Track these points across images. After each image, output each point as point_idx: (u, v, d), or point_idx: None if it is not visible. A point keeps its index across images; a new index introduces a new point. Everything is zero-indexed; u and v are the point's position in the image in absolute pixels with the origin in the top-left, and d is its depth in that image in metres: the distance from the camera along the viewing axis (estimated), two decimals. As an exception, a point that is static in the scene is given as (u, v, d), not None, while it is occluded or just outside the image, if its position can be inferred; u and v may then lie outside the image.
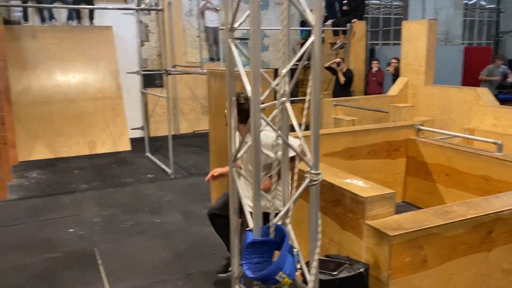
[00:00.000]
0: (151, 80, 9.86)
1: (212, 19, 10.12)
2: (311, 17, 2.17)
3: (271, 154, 2.71)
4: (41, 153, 7.64)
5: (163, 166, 6.99)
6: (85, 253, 4.05)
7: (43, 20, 8.71)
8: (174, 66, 9.48)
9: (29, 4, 8.30)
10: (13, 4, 8.45)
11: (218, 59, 10.26)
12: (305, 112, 2.26)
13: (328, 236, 2.97)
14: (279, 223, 2.32)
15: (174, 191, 5.86)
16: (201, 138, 9.43)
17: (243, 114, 2.96)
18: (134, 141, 8.63)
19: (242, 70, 2.27)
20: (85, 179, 6.40)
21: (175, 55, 9.72)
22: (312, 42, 2.16)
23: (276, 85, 2.35)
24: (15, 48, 7.94)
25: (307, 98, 2.24)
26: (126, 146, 8.39)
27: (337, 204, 2.90)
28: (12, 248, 4.18)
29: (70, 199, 5.56)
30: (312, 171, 2.22)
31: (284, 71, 2.18)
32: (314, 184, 2.25)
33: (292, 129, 2.55)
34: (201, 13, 10.00)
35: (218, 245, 4.19)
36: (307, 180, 2.26)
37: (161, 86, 10.10)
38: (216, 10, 9.86)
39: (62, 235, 4.44)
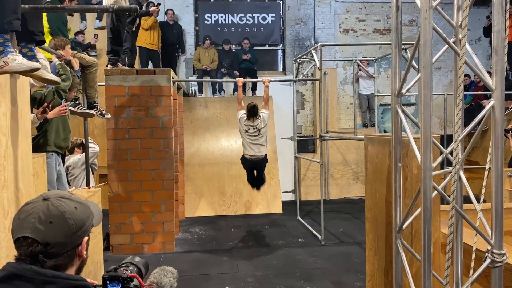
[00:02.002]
0: (304, 145, 10.22)
1: (366, 86, 10.20)
2: (490, 81, 2.02)
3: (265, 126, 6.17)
4: (204, 210, 8.38)
5: (314, 231, 6.95)
6: (239, 312, 4.16)
7: (214, 92, 9.90)
8: (327, 132, 9.67)
9: (204, 79, 9.56)
10: (191, 79, 9.85)
11: (373, 125, 10.14)
12: (484, 182, 2.04)
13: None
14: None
15: (325, 258, 5.73)
16: (352, 205, 9.21)
17: None
18: (285, 203, 8.88)
19: (410, 136, 2.19)
20: (241, 238, 6.74)
21: (328, 121, 9.95)
22: (493, 107, 1.99)
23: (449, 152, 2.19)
24: (190, 116, 9.13)
25: (486, 167, 2.03)
26: (278, 209, 8.65)
27: (524, 293, 2.45)
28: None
29: (228, 256, 5.88)
30: (495, 251, 1.95)
31: (459, 138, 2.03)
32: (497, 266, 1.96)
33: (466, 200, 2.32)
34: (356, 81, 10.18)
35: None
36: (487, 261, 1.98)
37: (313, 151, 10.36)
38: (370, 77, 9.91)
39: (219, 291, 4.67)
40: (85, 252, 1.34)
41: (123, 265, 1.43)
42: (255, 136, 6.10)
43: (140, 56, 8.96)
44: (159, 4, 7.98)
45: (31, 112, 3.43)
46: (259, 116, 6.12)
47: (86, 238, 1.34)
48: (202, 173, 8.74)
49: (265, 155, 6.31)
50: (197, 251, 6.16)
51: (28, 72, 2.38)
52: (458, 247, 2.21)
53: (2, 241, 2.33)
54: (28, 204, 1.28)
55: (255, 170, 6.35)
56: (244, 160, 6.27)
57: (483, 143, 8.67)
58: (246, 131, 6.09)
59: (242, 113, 6.20)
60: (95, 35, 8.69)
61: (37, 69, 2.37)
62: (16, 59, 2.22)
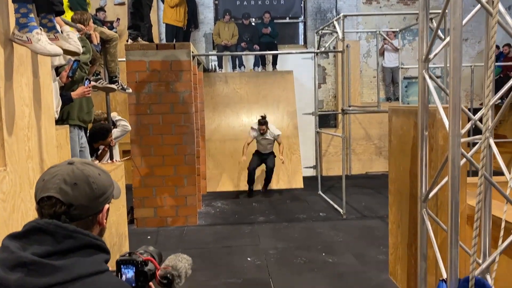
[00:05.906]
0: (325, 120, 10.10)
1: (391, 59, 9.92)
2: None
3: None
4: (225, 185, 8.43)
5: (335, 206, 6.93)
6: (262, 283, 4.21)
7: (234, 67, 9.82)
8: (350, 107, 9.51)
9: (224, 53, 9.47)
10: (210, 53, 9.78)
11: (396, 99, 9.93)
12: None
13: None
14: (480, 276, 2.01)
15: (347, 232, 5.71)
16: (374, 180, 9.11)
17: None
18: (306, 179, 8.85)
19: (438, 102, 2.11)
20: (262, 212, 6.77)
21: (350, 96, 9.76)
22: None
23: (478, 119, 2.10)
24: (210, 92, 9.10)
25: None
26: (299, 184, 8.64)
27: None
28: (200, 269, 4.59)
29: (249, 229, 5.93)
30: (526, 220, 1.88)
31: (490, 103, 1.94)
32: (528, 236, 1.89)
33: (495, 172, 2.24)
34: (381, 54, 9.91)
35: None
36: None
37: (335, 126, 10.23)
38: (396, 50, 9.63)
39: (242, 263, 4.72)
40: (105, 221, 1.35)
41: (138, 251, 1.45)
42: (267, 143, 7.77)
43: (166, 33, 8.93)
44: None
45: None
46: (269, 130, 7.59)
47: (107, 206, 1.34)
48: (223, 148, 8.76)
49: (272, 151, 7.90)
50: (219, 224, 6.23)
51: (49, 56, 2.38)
52: (486, 218, 2.15)
53: (29, 210, 2.38)
54: (53, 167, 1.30)
55: (264, 159, 7.87)
56: (256, 152, 7.87)
57: (511, 116, 8.40)
58: (258, 139, 7.75)
59: (253, 133, 7.74)
60: (118, 19, 8.67)
61: (58, 55, 2.35)
62: (41, 40, 2.19)
